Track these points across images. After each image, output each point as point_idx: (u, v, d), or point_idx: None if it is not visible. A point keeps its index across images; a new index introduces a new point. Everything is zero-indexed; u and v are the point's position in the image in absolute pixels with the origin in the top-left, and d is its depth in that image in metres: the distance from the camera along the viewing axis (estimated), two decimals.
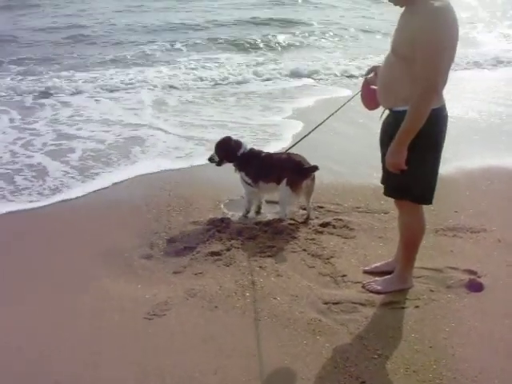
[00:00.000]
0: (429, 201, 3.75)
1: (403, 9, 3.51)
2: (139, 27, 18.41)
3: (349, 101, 4.75)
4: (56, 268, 4.70)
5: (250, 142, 6.08)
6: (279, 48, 15.84)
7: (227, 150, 5.51)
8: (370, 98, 4.08)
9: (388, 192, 3.88)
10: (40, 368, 3.48)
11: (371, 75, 4.11)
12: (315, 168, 5.19)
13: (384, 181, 3.90)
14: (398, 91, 3.51)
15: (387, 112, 3.81)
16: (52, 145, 7.85)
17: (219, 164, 5.58)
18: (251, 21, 19.36)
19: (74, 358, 3.56)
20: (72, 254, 4.92)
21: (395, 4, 3.50)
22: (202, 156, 6.74)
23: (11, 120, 9.13)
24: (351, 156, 7.00)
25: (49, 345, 3.71)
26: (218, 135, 6.21)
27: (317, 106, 9.69)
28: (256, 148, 5.68)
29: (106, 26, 18.37)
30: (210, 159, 5.61)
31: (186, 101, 10.46)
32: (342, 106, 4.89)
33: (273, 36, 16.77)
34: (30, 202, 5.98)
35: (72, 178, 6.63)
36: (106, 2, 23.41)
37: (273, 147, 6.91)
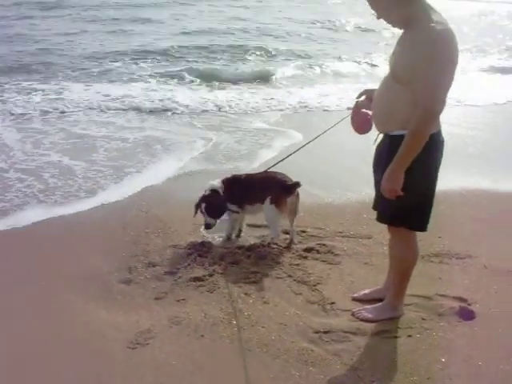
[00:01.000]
0: (424, 227, 3.66)
1: (402, 31, 3.44)
2: None
3: (336, 124, 4.65)
4: (28, 293, 4.47)
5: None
6: None
7: (216, 207, 5.29)
8: (360, 122, 3.99)
9: (382, 218, 3.77)
10: None
11: (362, 98, 4.03)
12: (297, 184, 5.08)
13: (377, 207, 3.80)
14: (395, 115, 3.42)
15: (381, 136, 3.72)
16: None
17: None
18: None
19: None
20: (46, 279, 4.69)
21: (393, 26, 3.43)
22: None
23: None
24: (331, 179, 6.91)
25: (20, 378, 3.51)
26: None
27: None
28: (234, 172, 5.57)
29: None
30: (207, 226, 5.35)
31: None
32: (328, 129, 4.81)
33: None
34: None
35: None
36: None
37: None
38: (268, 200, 5.07)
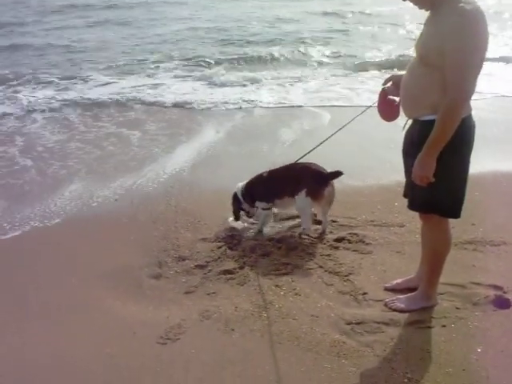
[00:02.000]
0: (457, 214, 3.56)
1: (428, 12, 3.34)
2: None
3: (363, 112, 4.57)
4: (59, 290, 4.52)
5: None
6: None
7: (234, 211, 5.49)
8: (388, 110, 3.93)
9: (413, 206, 3.69)
10: None
11: (389, 85, 3.95)
12: (338, 173, 5.01)
13: (408, 194, 3.71)
14: (425, 100, 3.33)
15: (410, 122, 3.64)
16: None
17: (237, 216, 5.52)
18: None
19: None
20: (76, 275, 4.73)
21: (420, 8, 3.34)
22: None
23: None
24: (361, 168, 6.79)
25: (54, 375, 3.52)
26: None
27: None
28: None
29: None
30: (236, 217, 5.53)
31: None
32: (355, 118, 4.71)
33: None
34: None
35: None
36: None
37: None
38: (303, 192, 4.99)
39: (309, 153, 5.21)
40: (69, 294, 4.45)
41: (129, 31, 20.08)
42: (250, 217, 5.54)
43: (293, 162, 5.33)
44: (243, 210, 5.46)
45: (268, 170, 5.43)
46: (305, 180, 5.02)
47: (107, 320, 4.05)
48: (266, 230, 5.41)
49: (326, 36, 17.81)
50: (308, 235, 5.14)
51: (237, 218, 5.48)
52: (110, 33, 19.92)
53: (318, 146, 5.13)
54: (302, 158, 5.24)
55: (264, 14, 23.15)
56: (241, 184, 5.46)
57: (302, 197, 5.00)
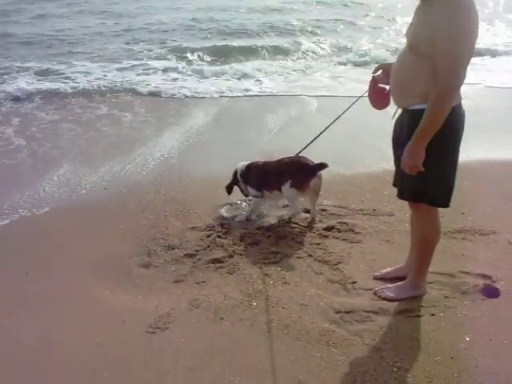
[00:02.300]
0: (446, 204, 3.56)
1: (418, 1, 3.32)
2: None
3: (356, 101, 4.55)
4: (48, 279, 4.49)
5: None
6: None
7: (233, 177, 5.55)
8: (378, 98, 3.93)
9: (403, 195, 3.68)
10: None
11: (379, 73, 3.94)
12: (323, 165, 5.03)
13: (398, 183, 3.71)
14: (414, 89, 3.31)
15: (399, 111, 3.63)
16: None
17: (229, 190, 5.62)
18: None
19: (71, 377, 3.37)
20: (65, 264, 4.71)
21: None
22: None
23: None
24: (351, 157, 6.80)
25: (42, 363, 3.51)
26: None
27: None
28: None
29: None
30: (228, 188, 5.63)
31: None
32: (349, 107, 4.68)
33: None
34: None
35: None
36: None
37: None
38: (288, 183, 5.04)
39: (308, 145, 5.21)
40: (58, 282, 4.42)
41: (116, 20, 19.91)
42: (246, 196, 5.60)
43: (288, 154, 5.36)
44: (239, 187, 5.54)
45: (264, 160, 5.53)
46: (290, 172, 5.08)
47: (96, 309, 4.03)
48: (254, 217, 5.41)
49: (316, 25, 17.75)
50: (297, 223, 5.14)
51: (229, 193, 5.57)
52: (95, 21, 19.79)
53: (317, 137, 5.09)
54: (301, 151, 5.25)
55: (252, 2, 22.99)
56: (243, 163, 5.53)
57: (287, 187, 5.07)
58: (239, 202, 5.72)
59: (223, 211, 5.53)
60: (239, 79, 11.81)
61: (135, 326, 3.78)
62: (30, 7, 23.05)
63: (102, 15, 21.11)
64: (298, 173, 5.04)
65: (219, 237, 4.96)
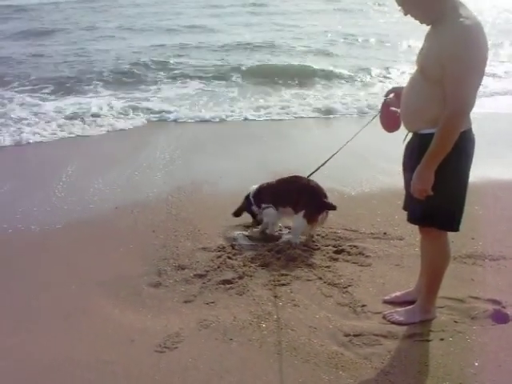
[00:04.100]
0: (456, 228, 3.57)
1: (429, 27, 3.37)
2: None
3: (368, 123, 4.58)
4: (58, 296, 4.51)
5: None
6: None
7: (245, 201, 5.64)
8: (389, 121, 3.98)
9: (412, 219, 3.70)
10: None
11: (391, 96, 3.99)
12: (333, 207, 5.20)
13: (408, 207, 3.73)
14: (424, 113, 3.35)
15: (410, 135, 3.66)
16: None
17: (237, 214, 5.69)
18: None
19: None
20: (75, 282, 4.72)
21: (421, 22, 3.36)
22: None
23: None
24: (362, 180, 6.83)
25: (50, 381, 3.52)
26: None
27: None
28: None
29: None
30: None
31: None
32: (361, 130, 4.72)
33: None
34: None
35: None
36: None
37: None
38: (301, 213, 5.14)
39: (320, 167, 5.23)
40: (67, 300, 4.44)
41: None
42: (258, 222, 5.62)
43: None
44: (252, 212, 5.58)
45: (277, 179, 5.58)
46: (304, 201, 5.17)
47: (105, 327, 4.05)
48: (275, 231, 5.54)
49: None
50: (307, 246, 5.17)
51: (237, 215, 5.63)
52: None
53: (329, 159, 5.10)
54: (313, 173, 5.31)
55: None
56: (254, 186, 5.60)
57: (299, 217, 5.16)
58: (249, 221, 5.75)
59: (234, 232, 5.56)
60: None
61: (144, 345, 3.78)
62: None
63: None
64: (312, 204, 5.14)
65: (229, 258, 4.96)
